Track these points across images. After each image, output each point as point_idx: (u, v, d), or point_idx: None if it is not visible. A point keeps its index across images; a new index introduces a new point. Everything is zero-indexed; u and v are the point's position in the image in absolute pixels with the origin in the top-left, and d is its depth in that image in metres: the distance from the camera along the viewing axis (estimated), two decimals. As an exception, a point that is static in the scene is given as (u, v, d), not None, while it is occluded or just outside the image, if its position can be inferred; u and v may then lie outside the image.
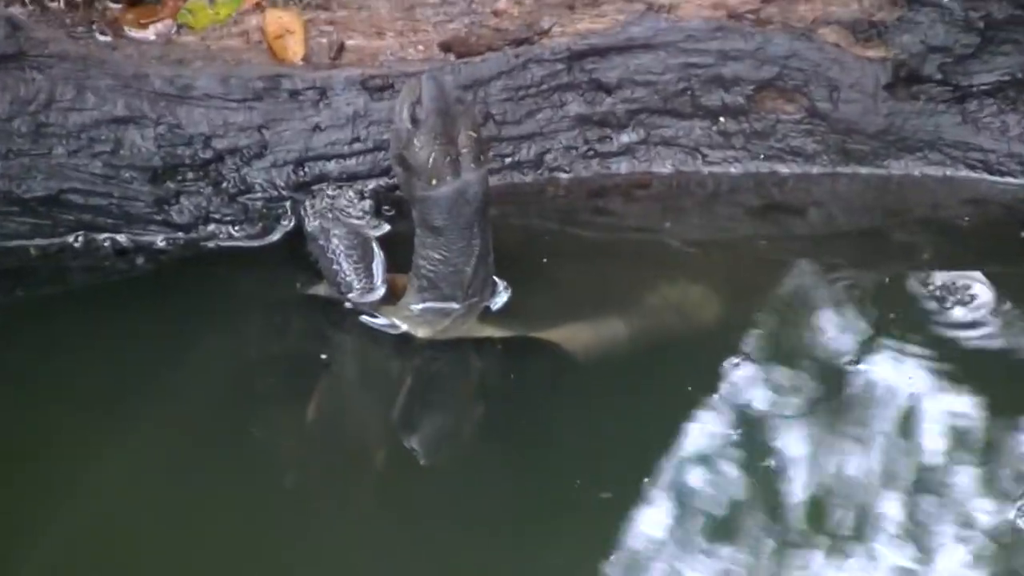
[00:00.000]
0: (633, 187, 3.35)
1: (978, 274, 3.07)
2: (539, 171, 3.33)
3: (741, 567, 2.46)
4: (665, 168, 3.38)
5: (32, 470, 2.63)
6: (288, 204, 3.15)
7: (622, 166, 3.36)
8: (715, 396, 2.78)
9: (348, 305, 2.98)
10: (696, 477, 2.62)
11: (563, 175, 3.34)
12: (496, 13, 3.40)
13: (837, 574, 2.47)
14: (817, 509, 2.57)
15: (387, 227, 3.07)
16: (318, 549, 2.48)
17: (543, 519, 2.56)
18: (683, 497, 2.58)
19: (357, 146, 3.19)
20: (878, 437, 2.71)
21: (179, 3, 3.38)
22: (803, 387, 2.83)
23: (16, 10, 3.22)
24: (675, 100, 3.35)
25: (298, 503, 2.58)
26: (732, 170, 3.39)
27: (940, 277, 3.08)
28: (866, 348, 2.92)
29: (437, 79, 2.86)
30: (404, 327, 2.93)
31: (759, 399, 2.79)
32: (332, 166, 3.18)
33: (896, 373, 2.85)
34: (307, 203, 3.08)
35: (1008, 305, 3.01)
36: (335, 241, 3.01)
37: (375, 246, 3.02)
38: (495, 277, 2.95)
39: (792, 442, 2.69)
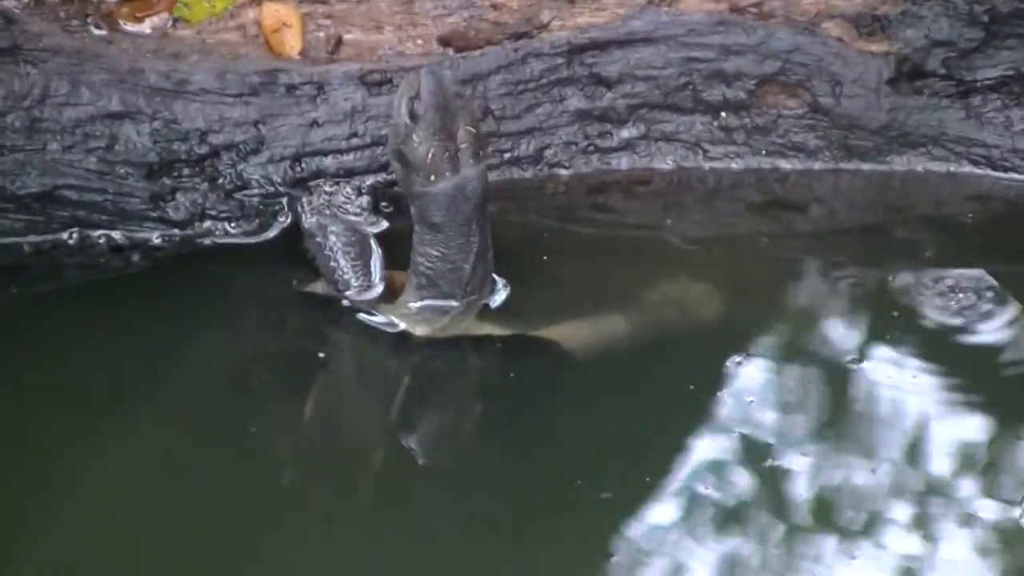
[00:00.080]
0: (633, 183, 3.35)
1: (981, 271, 3.07)
2: (539, 167, 3.32)
3: (741, 567, 2.46)
4: (666, 164, 3.37)
5: (27, 468, 2.62)
6: (285, 200, 3.14)
7: (622, 162, 3.36)
8: (716, 394, 2.78)
9: (345, 302, 2.97)
10: (696, 477, 2.62)
11: (563, 171, 3.33)
12: (495, 7, 3.40)
13: (838, 575, 2.46)
14: (818, 509, 2.57)
15: (385, 223, 3.07)
16: (315, 548, 2.48)
17: (543, 519, 2.56)
18: (683, 497, 2.58)
19: (355, 141, 3.18)
20: (880, 436, 2.71)
21: (175, -4, 3.38)
22: (805, 385, 2.82)
23: (10, 3, 3.21)
24: (676, 95, 3.34)
25: (295, 501, 2.58)
26: (733, 166, 3.38)
27: (943, 274, 3.07)
28: (868, 346, 2.92)
29: (436, 74, 2.84)
30: (402, 325, 2.92)
31: (760, 397, 2.79)
32: (329, 162, 3.17)
33: (899, 371, 2.85)
34: (304, 199, 3.08)
35: (1012, 302, 3.00)
36: (332, 238, 3.00)
37: (373, 243, 3.01)
38: (494, 274, 2.95)
39: (793, 441, 2.69)
